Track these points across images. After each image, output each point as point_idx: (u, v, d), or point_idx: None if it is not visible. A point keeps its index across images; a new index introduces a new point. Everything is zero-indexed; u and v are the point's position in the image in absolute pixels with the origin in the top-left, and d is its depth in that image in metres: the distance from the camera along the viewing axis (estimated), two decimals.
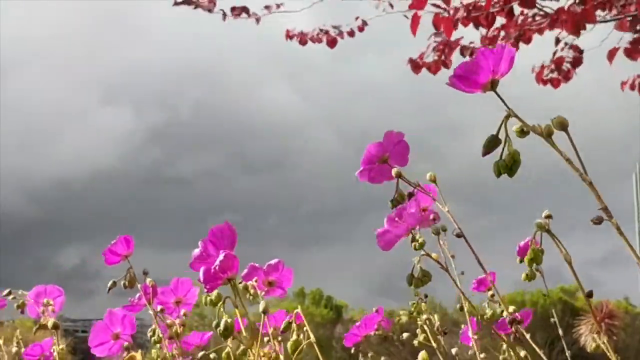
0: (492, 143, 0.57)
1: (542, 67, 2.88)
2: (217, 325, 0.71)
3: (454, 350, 1.07)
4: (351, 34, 3.02)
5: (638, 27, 2.64)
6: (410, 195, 0.76)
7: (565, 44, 2.81)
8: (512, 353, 0.98)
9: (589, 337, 0.99)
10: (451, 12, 2.41)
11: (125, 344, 0.94)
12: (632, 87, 3.09)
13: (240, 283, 0.87)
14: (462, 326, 1.06)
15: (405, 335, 1.07)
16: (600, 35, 2.77)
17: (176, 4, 2.79)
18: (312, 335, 0.81)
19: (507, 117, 0.56)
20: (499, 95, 0.57)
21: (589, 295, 0.63)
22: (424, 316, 1.04)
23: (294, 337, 0.82)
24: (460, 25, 2.45)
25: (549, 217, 0.64)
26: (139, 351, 0.93)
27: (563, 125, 0.55)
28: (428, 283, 0.79)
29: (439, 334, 1.03)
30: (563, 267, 0.63)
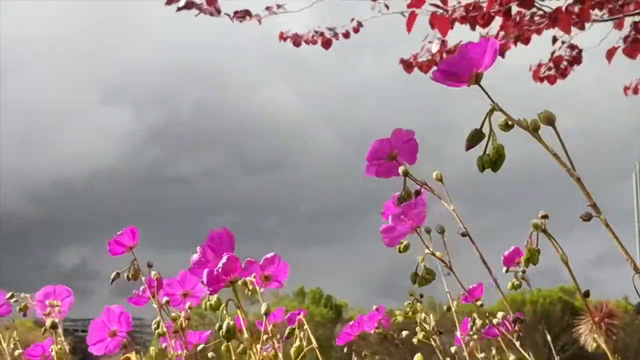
0: (475, 137, 0.56)
1: (539, 65, 2.88)
2: (220, 327, 0.72)
3: (452, 349, 1.08)
4: (346, 35, 3.02)
5: (637, 27, 2.64)
6: (417, 193, 0.76)
7: (563, 42, 2.81)
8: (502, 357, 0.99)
9: (589, 336, 0.99)
10: (449, 11, 2.41)
11: (124, 340, 0.94)
12: (636, 92, 3.09)
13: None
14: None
15: (404, 333, 1.08)
16: (600, 35, 2.77)
17: (179, 9, 2.80)
18: (314, 341, 0.81)
19: (492, 111, 0.55)
20: (483, 89, 0.55)
21: (586, 295, 0.63)
22: (422, 315, 1.04)
23: (297, 343, 0.83)
24: (460, 26, 2.45)
25: (545, 217, 0.63)
26: (134, 353, 0.92)
27: (550, 120, 0.54)
28: (432, 282, 0.80)
29: (434, 333, 1.04)
30: (564, 266, 0.62)
